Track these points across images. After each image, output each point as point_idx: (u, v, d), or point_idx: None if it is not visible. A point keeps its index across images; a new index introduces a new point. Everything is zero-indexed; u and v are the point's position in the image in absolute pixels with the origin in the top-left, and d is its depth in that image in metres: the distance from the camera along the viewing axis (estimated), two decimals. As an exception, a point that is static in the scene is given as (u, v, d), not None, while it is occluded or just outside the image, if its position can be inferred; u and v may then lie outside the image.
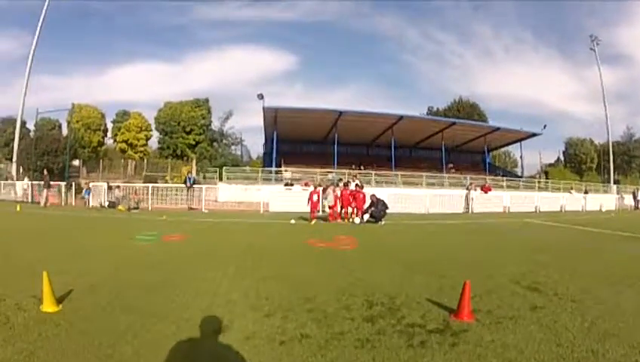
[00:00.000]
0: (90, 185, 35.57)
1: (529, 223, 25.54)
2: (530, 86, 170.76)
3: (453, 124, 58.22)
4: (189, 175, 34.34)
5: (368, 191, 25.62)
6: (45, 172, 34.39)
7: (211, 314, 6.00)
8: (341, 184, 26.69)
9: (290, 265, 10.06)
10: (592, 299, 7.23)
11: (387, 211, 23.23)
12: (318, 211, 24.63)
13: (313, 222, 22.54)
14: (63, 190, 35.12)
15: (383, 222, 22.41)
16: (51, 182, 33.76)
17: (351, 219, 23.74)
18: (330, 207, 24.29)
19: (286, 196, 32.36)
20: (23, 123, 53.04)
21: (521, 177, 62.50)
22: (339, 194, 24.66)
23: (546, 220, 27.58)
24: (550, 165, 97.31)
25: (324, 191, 24.38)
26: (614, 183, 66.81)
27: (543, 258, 11.75)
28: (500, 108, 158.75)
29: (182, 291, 7.24)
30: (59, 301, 6.26)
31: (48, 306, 5.97)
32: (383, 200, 23.29)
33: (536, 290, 7.71)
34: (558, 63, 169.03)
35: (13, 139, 51.27)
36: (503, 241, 16.73)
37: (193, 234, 16.18)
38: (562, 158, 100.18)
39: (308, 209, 24.02)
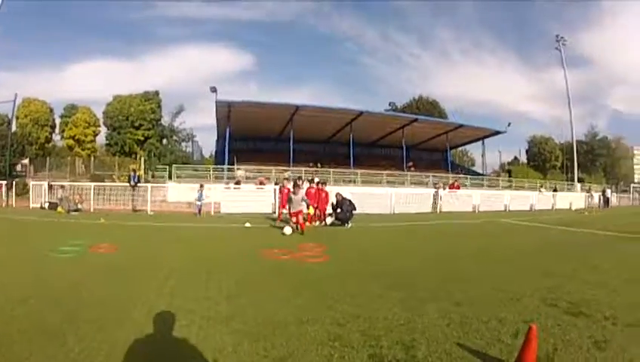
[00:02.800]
0: (31, 184, 33.04)
1: (509, 224, 24.33)
2: (488, 87, 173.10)
3: (415, 120, 57.35)
4: (133, 173, 32.05)
5: (331, 190, 23.76)
6: (-18, 170, 31.94)
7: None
8: (304, 182, 24.49)
9: (246, 292, 7.38)
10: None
11: (354, 212, 21.11)
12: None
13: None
14: (4, 190, 32.61)
15: (349, 225, 20.36)
16: (-7, 181, 31.24)
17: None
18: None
19: (239, 196, 30.15)
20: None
21: (484, 175, 62.01)
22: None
23: (524, 220, 26.36)
24: (509, 163, 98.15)
25: (295, 187, 19.45)
26: (578, 182, 67.14)
27: (554, 267, 10.19)
28: (456, 109, 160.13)
29: (86, 340, 4.91)
30: None
31: None
32: (349, 200, 21.18)
33: (581, 314, 6.19)
34: (516, 65, 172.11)
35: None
36: (495, 246, 14.85)
37: (128, 244, 13.59)
38: (523, 157, 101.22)
39: (264, 210, 23.45)
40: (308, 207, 18.11)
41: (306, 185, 23.54)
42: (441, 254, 12.52)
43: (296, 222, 17.39)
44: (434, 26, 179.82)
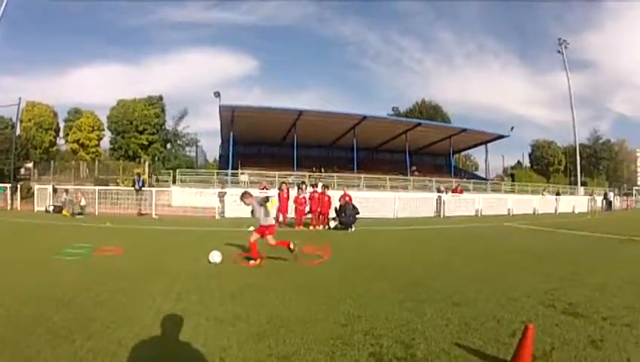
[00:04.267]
0: (36, 187, 33.07)
1: (511, 227, 24.32)
2: (491, 91, 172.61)
3: (419, 124, 57.24)
4: (138, 176, 32.15)
5: (335, 194, 23.81)
6: (-13, 174, 32.01)
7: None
8: (308, 187, 24.73)
9: (250, 293, 7.59)
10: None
11: (357, 216, 21.25)
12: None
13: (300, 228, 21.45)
14: (9, 193, 32.67)
15: (353, 229, 20.51)
16: (-2, 184, 31.30)
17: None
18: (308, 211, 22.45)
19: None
20: (-24, 121, 50.37)
21: (487, 180, 61.49)
22: (307, 197, 22.82)
23: (527, 224, 26.35)
24: (513, 168, 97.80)
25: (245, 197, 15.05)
26: (581, 185, 66.83)
27: (554, 269, 10.34)
28: (459, 113, 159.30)
29: (94, 339, 5.07)
30: None
31: None
32: (352, 204, 21.31)
33: (579, 315, 6.34)
34: (518, 69, 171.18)
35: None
36: (497, 249, 14.91)
37: (133, 247, 13.67)
38: (526, 161, 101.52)
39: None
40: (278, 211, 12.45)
41: (309, 189, 24.15)
42: (442, 257, 12.59)
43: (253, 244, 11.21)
44: (436, 29, 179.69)
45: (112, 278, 8.61)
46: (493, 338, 5.18)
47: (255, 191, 31.47)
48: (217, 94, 45.98)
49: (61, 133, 66.60)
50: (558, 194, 49.30)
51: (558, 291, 7.77)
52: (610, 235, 19.45)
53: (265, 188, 32.37)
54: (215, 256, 10.73)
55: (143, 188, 30.22)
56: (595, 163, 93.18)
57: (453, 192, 39.02)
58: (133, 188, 30.70)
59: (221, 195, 29.80)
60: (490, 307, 6.63)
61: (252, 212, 11.88)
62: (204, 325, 5.71)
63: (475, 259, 12.21)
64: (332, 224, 21.71)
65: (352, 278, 8.99)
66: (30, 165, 51.28)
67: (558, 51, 70.11)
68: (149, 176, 44.91)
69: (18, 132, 48.83)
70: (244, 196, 11.90)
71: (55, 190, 30.90)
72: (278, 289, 7.87)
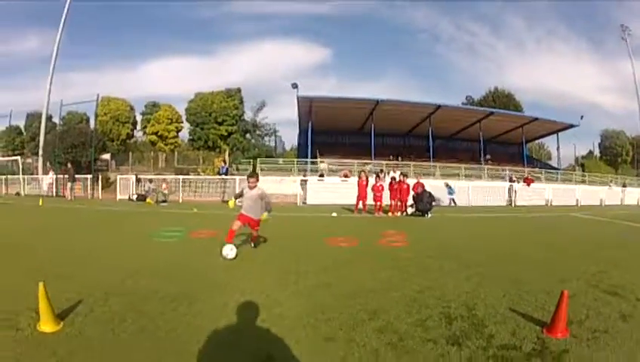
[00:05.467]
0: (118, 177, 34.82)
1: (576, 218, 24.57)
2: (561, 78, 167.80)
3: (491, 113, 57.05)
4: (223, 165, 33.56)
5: (412, 182, 24.44)
6: (69, 165, 33.63)
7: (252, 335, 5.03)
8: (386, 175, 26.30)
9: (339, 267, 8.85)
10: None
11: (433, 203, 22.42)
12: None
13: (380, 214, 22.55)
14: (89, 183, 34.63)
15: (429, 215, 21.48)
16: (77, 176, 33.35)
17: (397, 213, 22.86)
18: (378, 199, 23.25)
19: (324, 188, 31.53)
20: (50, 117, 52.29)
21: (558, 169, 60.83)
22: (385, 186, 23.83)
23: (592, 215, 26.39)
24: (584, 157, 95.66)
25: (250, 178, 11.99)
26: (647, 177, 64.64)
27: (607, 256, 10.90)
28: (531, 101, 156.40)
29: (210, 305, 6.11)
30: (62, 315, 5.33)
31: (46, 325, 4.94)
32: (429, 192, 22.38)
33: (617, 294, 7.01)
34: (587, 55, 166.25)
35: (39, 134, 50.25)
36: (559, 238, 15.57)
37: (225, 230, 14.41)
38: (596, 151, 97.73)
39: (349, 201, 24.50)
40: (269, 212, 11.76)
41: (388, 178, 25.66)
42: (508, 243, 13.55)
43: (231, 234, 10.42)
44: (506, 13, 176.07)
45: (209, 257, 9.75)
46: (541, 306, 6.14)
47: (335, 180, 32.79)
48: (295, 86, 47.09)
49: (138, 126, 68.95)
50: (624, 185, 48.59)
51: (604, 274, 8.44)
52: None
53: (346, 175, 33.57)
54: (230, 253, 9.63)
55: (226, 176, 31.62)
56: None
57: (524, 182, 39.50)
58: (218, 176, 32.41)
59: (303, 183, 31.15)
60: (544, 284, 7.44)
61: (241, 196, 11.43)
62: (302, 291, 6.91)
63: (538, 245, 12.84)
64: (410, 210, 22.80)
65: (426, 258, 10.06)
66: (107, 156, 53.32)
67: (622, 38, 68.89)
68: (229, 165, 46.26)
69: (94, 126, 50.48)
70: (252, 178, 11.15)
71: (138, 179, 32.62)
72: (363, 265, 9.13)
